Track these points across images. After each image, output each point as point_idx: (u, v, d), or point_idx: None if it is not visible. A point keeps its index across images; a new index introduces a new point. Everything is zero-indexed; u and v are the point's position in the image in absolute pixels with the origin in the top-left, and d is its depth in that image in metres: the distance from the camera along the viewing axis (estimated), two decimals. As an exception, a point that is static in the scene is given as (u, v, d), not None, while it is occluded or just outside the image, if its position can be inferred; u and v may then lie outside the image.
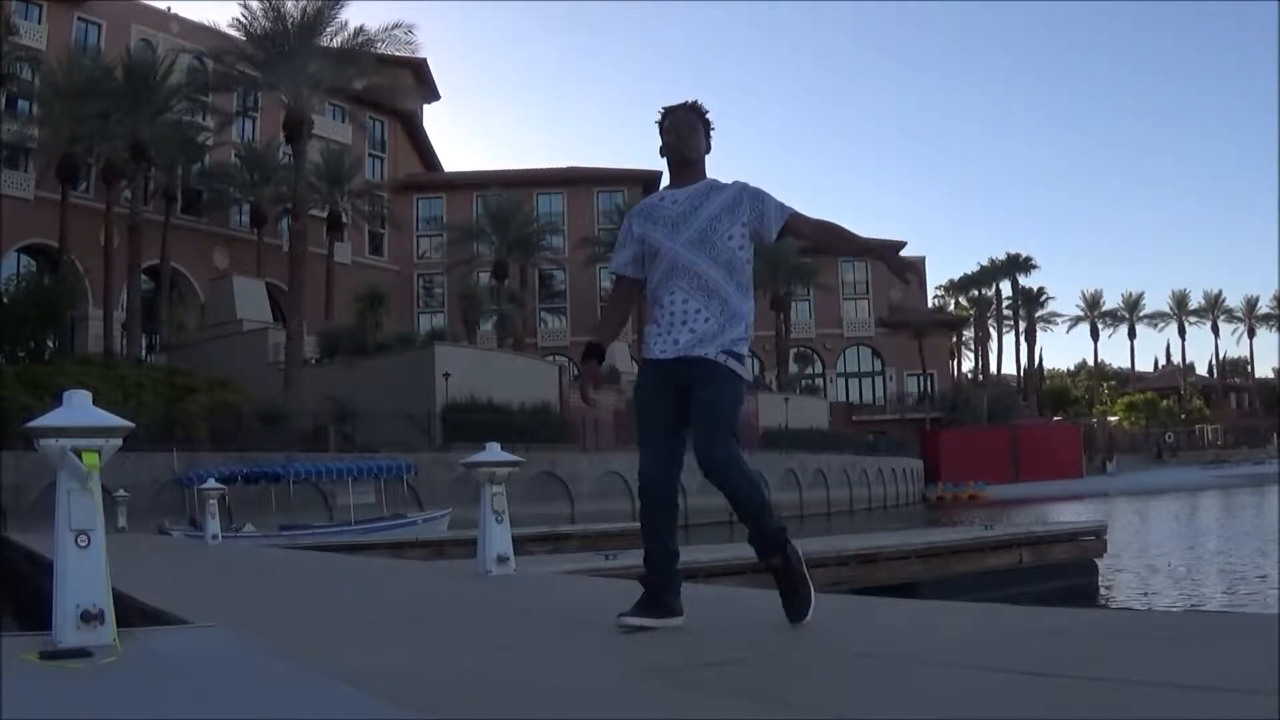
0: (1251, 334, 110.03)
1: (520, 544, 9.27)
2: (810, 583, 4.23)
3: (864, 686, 3.20)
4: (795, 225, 4.49)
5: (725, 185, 4.49)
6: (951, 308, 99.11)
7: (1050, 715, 2.60)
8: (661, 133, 4.57)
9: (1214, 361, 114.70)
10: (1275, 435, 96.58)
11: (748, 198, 4.44)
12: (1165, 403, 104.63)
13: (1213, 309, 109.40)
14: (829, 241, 4.68)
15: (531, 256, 64.16)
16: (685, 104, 4.59)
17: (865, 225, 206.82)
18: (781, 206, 4.49)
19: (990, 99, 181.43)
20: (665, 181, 4.71)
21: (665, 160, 4.61)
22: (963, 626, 4.21)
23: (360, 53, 44.53)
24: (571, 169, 75.20)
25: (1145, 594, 15.73)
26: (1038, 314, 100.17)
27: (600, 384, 4.69)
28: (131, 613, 6.09)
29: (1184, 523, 33.10)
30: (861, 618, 4.36)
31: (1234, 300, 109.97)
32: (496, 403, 41.42)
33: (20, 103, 49.47)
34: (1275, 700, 2.51)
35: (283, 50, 42.52)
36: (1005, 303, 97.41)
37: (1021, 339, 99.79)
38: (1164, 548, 23.48)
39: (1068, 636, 3.64)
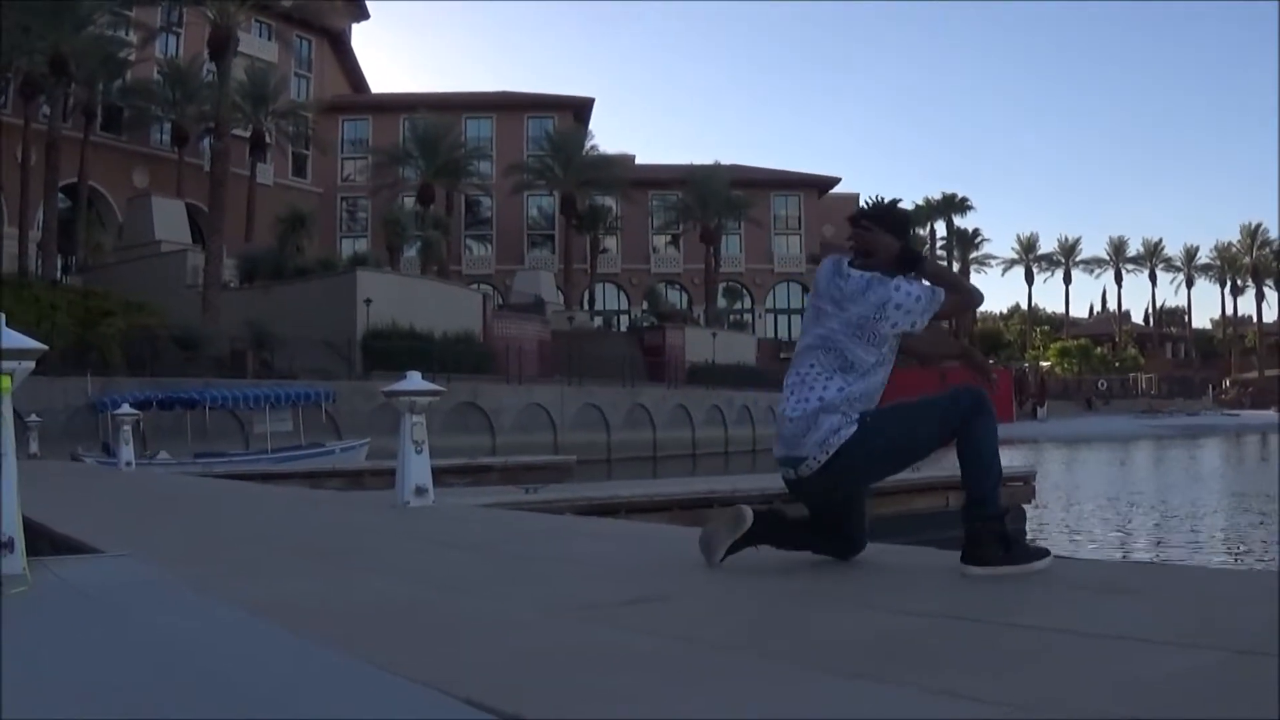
0: (1190, 284, 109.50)
1: (439, 475, 9.27)
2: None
3: (776, 623, 3.25)
4: None
5: None
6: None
7: (967, 659, 2.65)
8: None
9: (1150, 310, 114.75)
10: (1210, 387, 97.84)
11: None
12: (1099, 350, 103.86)
13: (1151, 257, 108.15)
14: None
15: (458, 182, 63.20)
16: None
17: (797, 161, 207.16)
18: None
19: (927, 35, 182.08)
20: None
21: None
22: (881, 568, 4.28)
23: (288, -32, 43.50)
24: (502, 93, 74.15)
25: (1073, 542, 15.67)
26: (972, 255, 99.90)
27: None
28: (42, 541, 6.02)
29: (1115, 471, 33.30)
30: (785, 558, 4.42)
31: (1173, 249, 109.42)
32: (419, 330, 40.94)
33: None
34: (1202, 652, 2.58)
35: (209, -37, 41.38)
36: (940, 243, 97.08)
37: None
38: (1094, 496, 23.45)
39: (990, 581, 3.71)
